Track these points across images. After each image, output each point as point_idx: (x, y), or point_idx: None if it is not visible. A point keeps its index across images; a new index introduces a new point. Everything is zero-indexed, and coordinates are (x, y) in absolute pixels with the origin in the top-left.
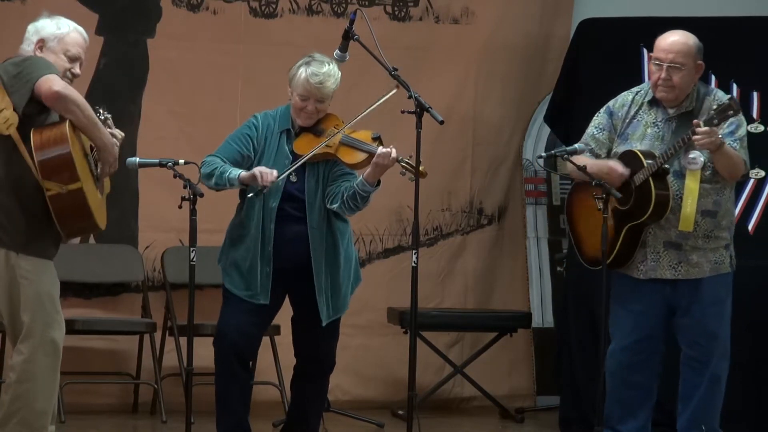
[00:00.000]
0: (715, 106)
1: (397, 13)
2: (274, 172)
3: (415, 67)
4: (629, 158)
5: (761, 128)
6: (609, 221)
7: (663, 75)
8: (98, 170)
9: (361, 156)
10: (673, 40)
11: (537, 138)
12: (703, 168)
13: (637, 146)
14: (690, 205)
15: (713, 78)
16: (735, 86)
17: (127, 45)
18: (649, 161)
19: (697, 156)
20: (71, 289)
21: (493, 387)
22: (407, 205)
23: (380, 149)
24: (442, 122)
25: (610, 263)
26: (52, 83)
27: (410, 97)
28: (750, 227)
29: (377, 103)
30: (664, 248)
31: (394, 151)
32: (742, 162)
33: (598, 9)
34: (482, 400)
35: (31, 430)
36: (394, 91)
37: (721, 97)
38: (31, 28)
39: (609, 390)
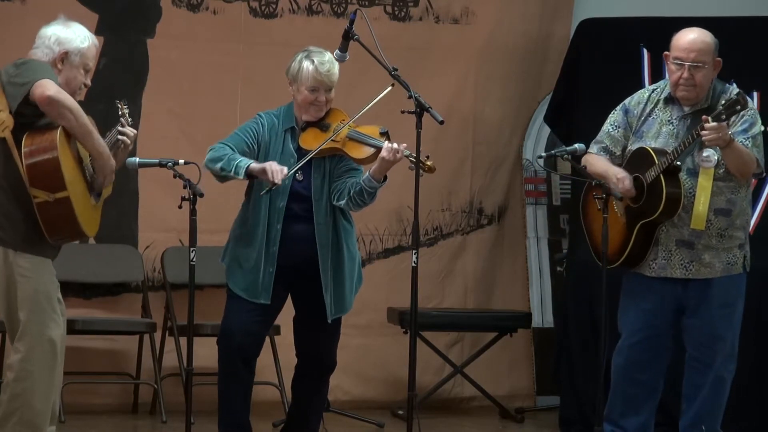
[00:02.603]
0: (723, 102)
1: (397, 13)
2: (285, 169)
3: (415, 67)
4: (641, 156)
5: (762, 128)
6: (622, 219)
7: (685, 75)
8: (92, 178)
9: (368, 151)
10: (692, 38)
11: (537, 138)
12: (717, 166)
13: (652, 144)
14: (702, 203)
15: None
16: (735, 86)
17: (127, 45)
18: (661, 159)
19: (711, 154)
20: (71, 289)
21: (493, 387)
22: (407, 205)
23: (387, 144)
24: (442, 122)
25: (622, 262)
26: (45, 88)
27: (410, 97)
28: (750, 227)
29: (378, 98)
30: (676, 246)
31: (402, 146)
32: (754, 160)
33: (598, 9)
34: (482, 400)
35: (31, 430)
36: (390, 86)
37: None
38: (50, 35)
39: (614, 385)
